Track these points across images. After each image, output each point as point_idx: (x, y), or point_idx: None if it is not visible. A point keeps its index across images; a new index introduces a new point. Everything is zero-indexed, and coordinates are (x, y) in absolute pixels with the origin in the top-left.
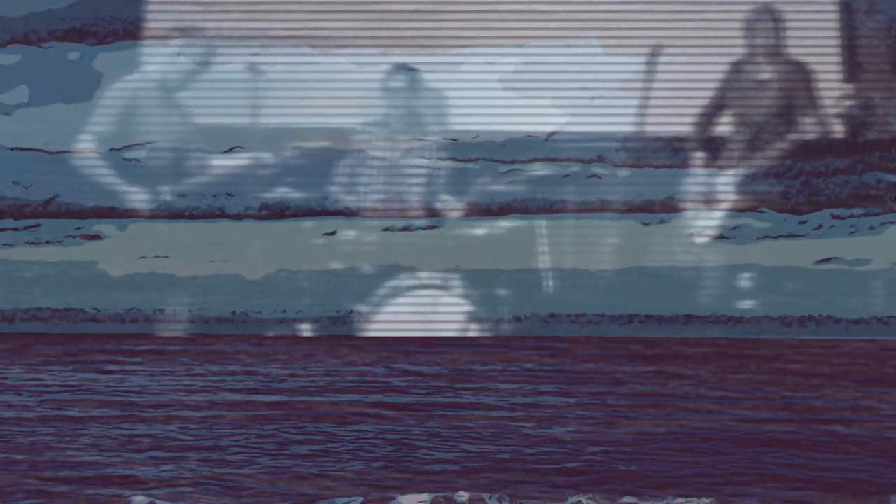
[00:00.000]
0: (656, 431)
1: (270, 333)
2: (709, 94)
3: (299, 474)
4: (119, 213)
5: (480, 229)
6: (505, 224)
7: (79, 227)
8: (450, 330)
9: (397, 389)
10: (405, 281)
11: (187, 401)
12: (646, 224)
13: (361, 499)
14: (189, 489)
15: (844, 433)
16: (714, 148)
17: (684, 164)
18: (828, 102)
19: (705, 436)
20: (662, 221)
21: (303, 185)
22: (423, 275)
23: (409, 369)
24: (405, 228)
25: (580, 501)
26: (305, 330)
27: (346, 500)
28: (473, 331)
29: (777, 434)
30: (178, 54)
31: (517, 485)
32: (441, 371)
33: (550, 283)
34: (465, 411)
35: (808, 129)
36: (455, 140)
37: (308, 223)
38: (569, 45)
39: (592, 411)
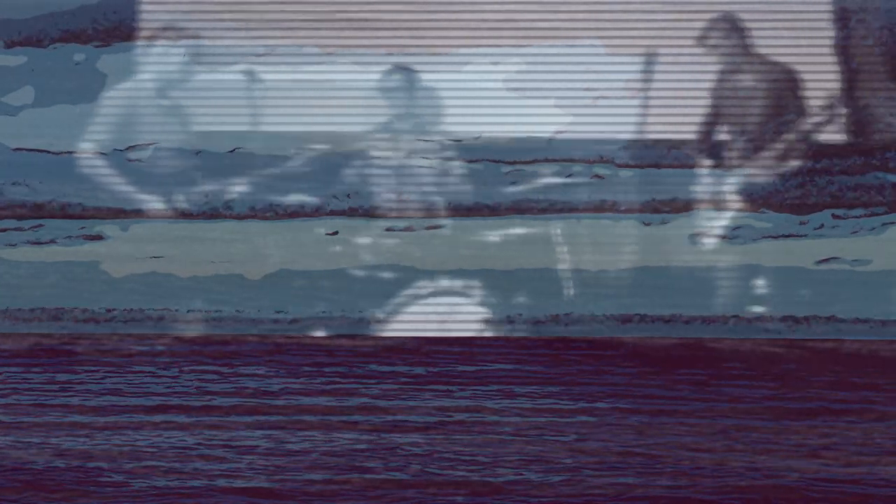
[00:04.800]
0: None
1: (270, 334)
2: (711, 95)
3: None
4: (121, 214)
5: (484, 230)
6: (508, 225)
7: (81, 228)
8: (455, 331)
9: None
10: (407, 282)
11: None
12: (647, 224)
13: None
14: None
15: None
16: (716, 149)
17: (687, 165)
18: (829, 103)
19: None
20: (664, 222)
21: (306, 187)
22: (427, 275)
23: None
24: (406, 229)
25: None
26: (309, 330)
27: None
28: (480, 332)
29: None
30: (183, 56)
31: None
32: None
33: (554, 283)
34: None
35: (809, 130)
36: (459, 141)
37: (311, 224)
38: (572, 46)
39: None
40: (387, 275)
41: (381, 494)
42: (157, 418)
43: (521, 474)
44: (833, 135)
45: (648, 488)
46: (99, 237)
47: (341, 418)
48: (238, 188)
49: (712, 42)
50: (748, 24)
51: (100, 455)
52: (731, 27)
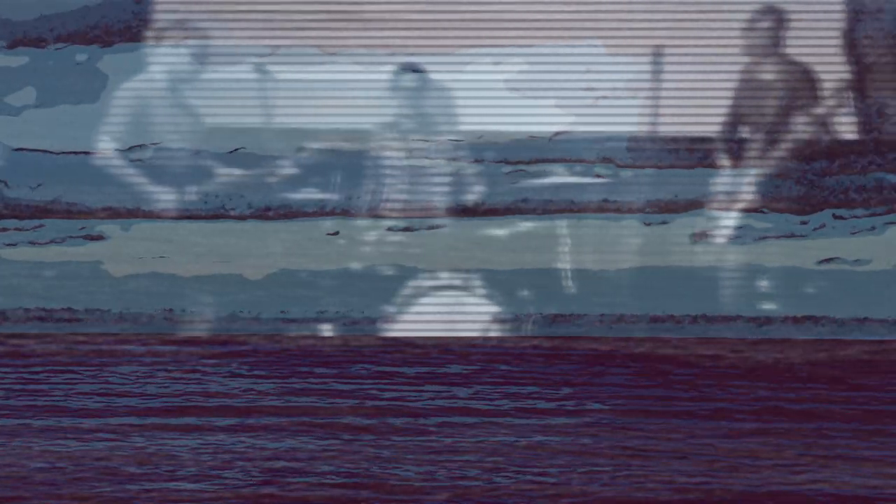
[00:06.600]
0: None
1: (271, 333)
2: (712, 95)
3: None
4: (123, 214)
5: (485, 230)
6: (509, 225)
7: (82, 228)
8: (457, 331)
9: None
10: (411, 282)
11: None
12: (648, 224)
13: None
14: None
15: None
16: (716, 149)
17: (688, 165)
18: (830, 103)
19: None
20: (664, 222)
21: (309, 186)
22: (431, 275)
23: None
24: (409, 229)
25: None
26: (311, 330)
27: None
28: (481, 332)
29: None
30: (187, 55)
31: None
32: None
33: (555, 283)
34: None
35: (810, 129)
36: (461, 140)
37: (314, 223)
38: (573, 46)
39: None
40: (388, 274)
41: (374, 496)
42: (157, 420)
43: (511, 476)
44: (835, 134)
45: (648, 491)
46: (100, 237)
47: (335, 420)
48: (240, 188)
49: (716, 41)
50: (751, 24)
51: (98, 457)
52: (737, 26)
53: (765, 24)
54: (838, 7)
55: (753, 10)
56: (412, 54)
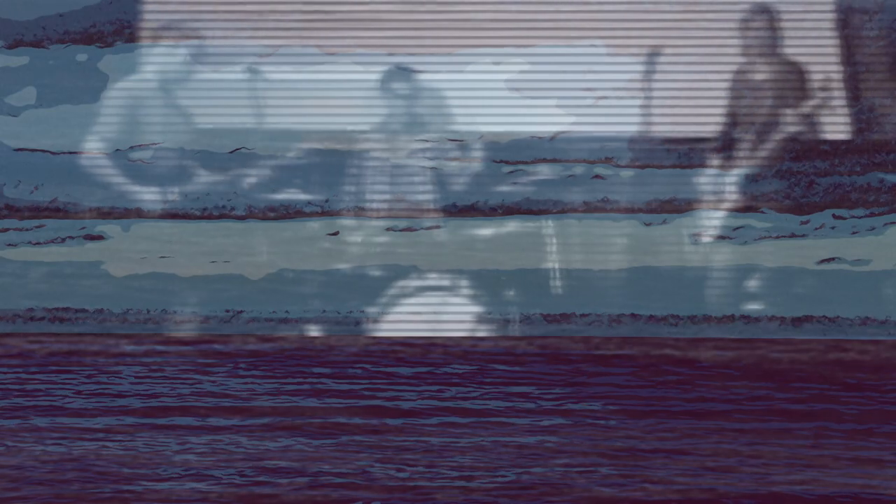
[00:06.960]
0: None
1: (271, 334)
2: (712, 95)
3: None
4: (123, 214)
5: (485, 230)
6: (510, 225)
7: (82, 228)
8: (454, 331)
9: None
10: (409, 282)
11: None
12: (648, 224)
13: None
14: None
15: None
16: (716, 149)
17: (687, 165)
18: (829, 103)
19: None
20: (664, 222)
21: (307, 186)
22: (428, 275)
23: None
24: (408, 229)
25: None
26: (309, 330)
27: None
28: (478, 332)
29: None
30: (185, 56)
31: None
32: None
33: (555, 283)
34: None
35: (809, 129)
36: (460, 141)
37: (312, 224)
38: (574, 46)
39: None
40: (388, 275)
41: (372, 496)
42: (155, 420)
43: (510, 476)
44: (835, 134)
45: (646, 492)
46: (100, 237)
47: (333, 420)
48: (239, 188)
49: (716, 41)
50: (749, 24)
51: (97, 457)
52: (736, 27)
53: (764, 25)
54: (835, 7)
55: (752, 11)
56: (412, 55)
